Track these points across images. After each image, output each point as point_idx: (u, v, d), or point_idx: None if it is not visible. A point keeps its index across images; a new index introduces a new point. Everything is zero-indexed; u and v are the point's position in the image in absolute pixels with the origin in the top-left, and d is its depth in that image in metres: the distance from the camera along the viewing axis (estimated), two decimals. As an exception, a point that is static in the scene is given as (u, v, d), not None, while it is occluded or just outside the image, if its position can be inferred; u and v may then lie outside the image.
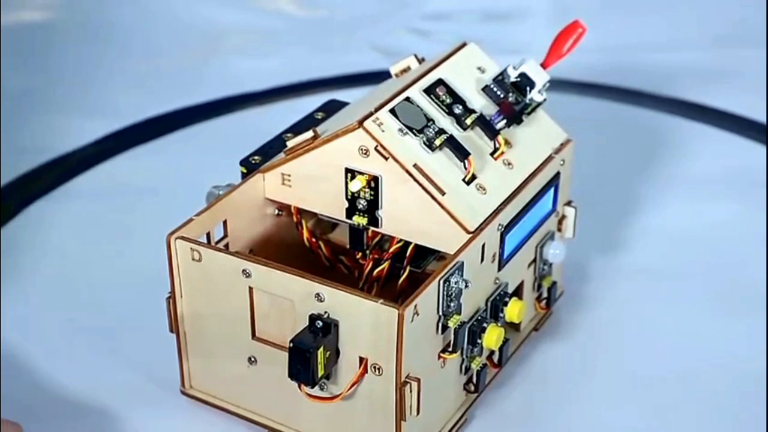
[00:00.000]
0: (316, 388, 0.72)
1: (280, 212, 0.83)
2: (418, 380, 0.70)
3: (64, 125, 1.17)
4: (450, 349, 0.74)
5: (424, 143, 0.75)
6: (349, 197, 0.77)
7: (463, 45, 0.83)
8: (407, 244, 0.78)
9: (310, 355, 0.69)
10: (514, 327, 0.85)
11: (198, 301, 0.76)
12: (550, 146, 0.83)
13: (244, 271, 0.72)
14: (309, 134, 0.77)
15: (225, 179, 0.81)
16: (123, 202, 1.04)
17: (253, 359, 0.76)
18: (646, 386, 0.84)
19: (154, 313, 0.81)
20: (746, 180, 1.08)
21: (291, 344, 0.70)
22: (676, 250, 0.98)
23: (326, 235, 0.86)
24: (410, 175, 0.74)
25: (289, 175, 0.79)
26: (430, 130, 0.76)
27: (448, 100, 0.78)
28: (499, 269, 0.78)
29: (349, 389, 0.71)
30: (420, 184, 0.74)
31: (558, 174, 0.83)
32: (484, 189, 0.76)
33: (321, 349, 0.69)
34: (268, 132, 0.85)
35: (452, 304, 0.72)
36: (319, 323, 0.70)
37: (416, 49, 0.87)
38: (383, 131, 0.74)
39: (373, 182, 0.75)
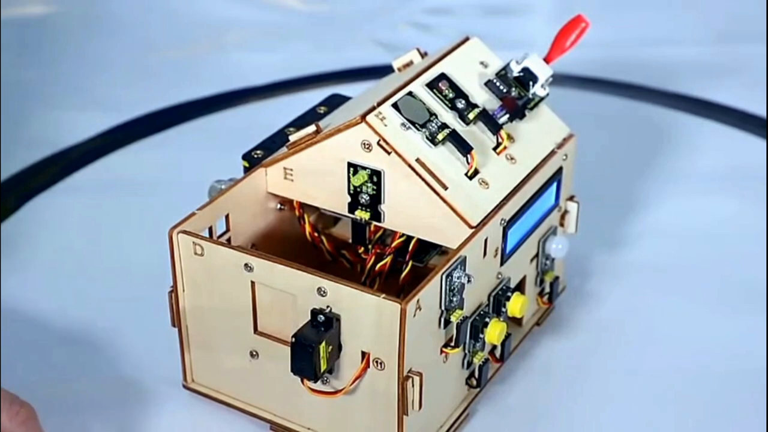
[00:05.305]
0: (319, 382, 0.72)
1: (283, 207, 0.83)
2: (421, 375, 0.70)
3: (66, 119, 1.17)
4: (452, 344, 0.74)
5: (427, 138, 0.75)
6: (351, 192, 0.77)
7: (466, 39, 0.83)
8: (410, 238, 0.78)
9: (313, 349, 0.69)
10: (516, 322, 0.84)
11: (200, 295, 0.76)
12: (552, 141, 0.82)
13: (246, 265, 0.72)
14: (311, 128, 0.76)
15: (227, 173, 0.81)
16: (125, 197, 1.04)
17: (255, 353, 0.76)
18: (647, 382, 0.84)
19: (156, 307, 0.80)
20: (748, 175, 1.08)
21: (293, 339, 0.70)
22: (678, 246, 0.98)
23: (328, 229, 0.86)
24: (413, 169, 0.74)
25: (292, 170, 0.79)
26: (433, 124, 0.75)
27: (450, 95, 0.78)
28: (502, 264, 0.78)
29: (351, 384, 0.71)
30: (422, 179, 0.74)
31: (561, 169, 0.83)
32: (486, 184, 0.76)
33: (323, 343, 0.69)
34: (271, 126, 0.84)
35: (454, 299, 0.72)
36: (322, 318, 0.70)
37: (419, 44, 0.86)
38: (386, 126, 0.74)
39: (376, 177, 0.75)
